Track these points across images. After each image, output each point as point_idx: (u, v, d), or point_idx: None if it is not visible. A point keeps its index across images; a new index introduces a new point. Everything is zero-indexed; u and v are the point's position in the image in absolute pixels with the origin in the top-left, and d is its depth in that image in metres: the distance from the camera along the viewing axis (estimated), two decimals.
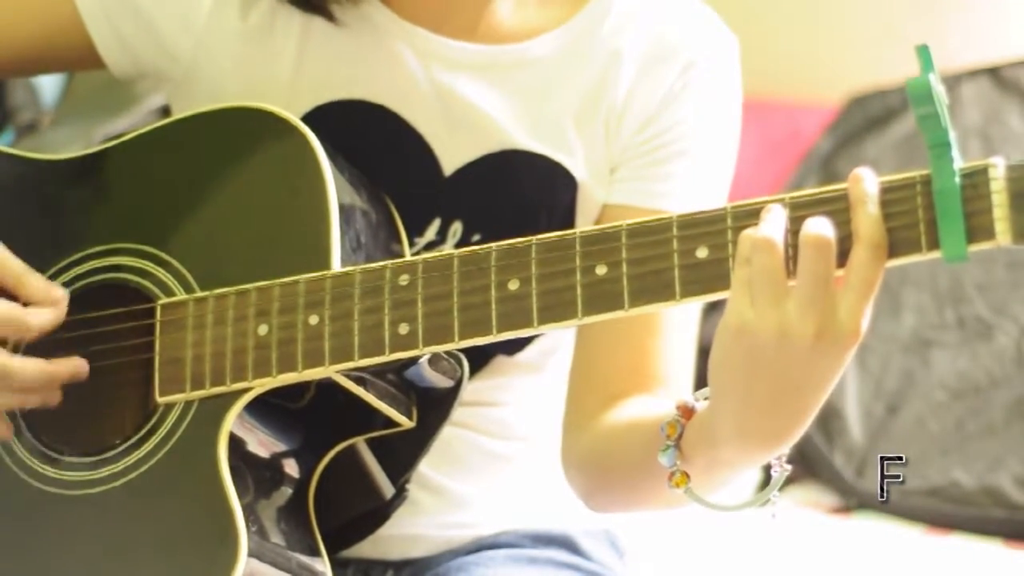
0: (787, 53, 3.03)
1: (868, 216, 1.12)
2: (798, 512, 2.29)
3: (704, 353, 1.39)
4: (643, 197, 1.47)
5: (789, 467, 1.25)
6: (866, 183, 1.13)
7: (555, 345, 1.54)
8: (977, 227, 1.09)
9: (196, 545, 1.29)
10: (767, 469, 2.36)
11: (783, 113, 2.93)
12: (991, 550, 2.24)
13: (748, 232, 1.14)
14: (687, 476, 1.25)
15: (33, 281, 1.36)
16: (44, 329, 1.34)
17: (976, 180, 1.09)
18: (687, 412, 1.26)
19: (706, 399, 1.25)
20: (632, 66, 1.48)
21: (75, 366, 1.35)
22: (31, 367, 1.33)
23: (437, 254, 1.27)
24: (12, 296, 1.35)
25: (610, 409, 1.42)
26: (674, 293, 1.18)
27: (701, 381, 1.63)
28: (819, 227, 1.12)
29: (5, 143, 2.48)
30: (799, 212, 1.15)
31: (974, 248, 1.09)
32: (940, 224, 1.10)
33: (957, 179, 1.10)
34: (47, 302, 1.36)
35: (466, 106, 1.47)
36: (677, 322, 1.46)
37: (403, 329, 1.26)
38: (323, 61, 1.47)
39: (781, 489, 1.27)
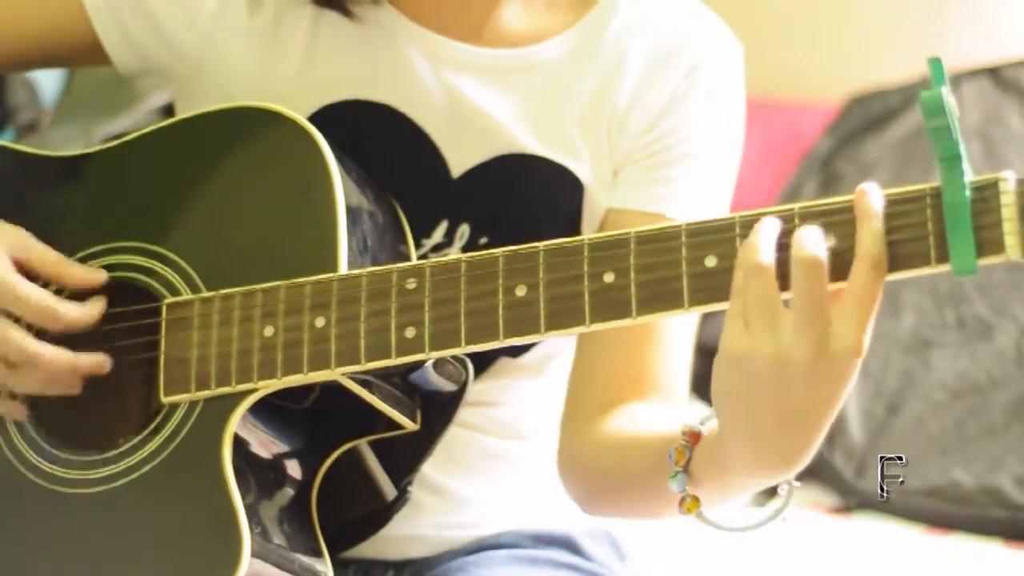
0: (787, 53, 3.03)
1: (872, 233, 1.10)
2: (798, 512, 2.29)
3: (703, 353, 1.39)
4: (646, 201, 1.47)
5: (798, 484, 1.23)
6: (872, 198, 1.11)
7: (557, 349, 1.54)
8: (987, 241, 1.08)
9: (199, 545, 1.29)
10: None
11: (783, 113, 2.93)
12: (991, 550, 2.24)
13: (741, 258, 1.13)
14: (698, 501, 1.23)
15: (73, 269, 1.38)
16: (73, 324, 1.35)
17: (986, 194, 1.09)
18: (694, 437, 1.24)
19: (711, 420, 1.23)
20: (636, 69, 1.48)
21: (98, 361, 1.35)
22: (59, 356, 1.34)
23: (444, 259, 1.27)
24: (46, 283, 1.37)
25: (607, 416, 1.42)
26: (682, 302, 1.16)
27: (698, 381, 1.64)
28: (810, 246, 1.10)
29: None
30: (805, 223, 1.13)
31: (983, 262, 1.08)
32: (950, 237, 1.09)
33: (967, 192, 1.09)
34: (89, 284, 1.37)
35: (474, 109, 1.46)
36: (675, 330, 1.45)
37: (410, 333, 1.25)
38: (331, 61, 1.47)
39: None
